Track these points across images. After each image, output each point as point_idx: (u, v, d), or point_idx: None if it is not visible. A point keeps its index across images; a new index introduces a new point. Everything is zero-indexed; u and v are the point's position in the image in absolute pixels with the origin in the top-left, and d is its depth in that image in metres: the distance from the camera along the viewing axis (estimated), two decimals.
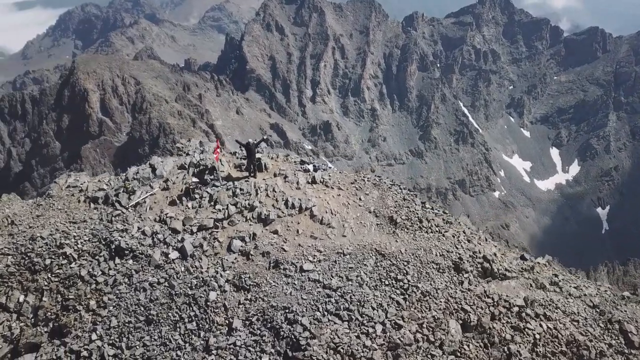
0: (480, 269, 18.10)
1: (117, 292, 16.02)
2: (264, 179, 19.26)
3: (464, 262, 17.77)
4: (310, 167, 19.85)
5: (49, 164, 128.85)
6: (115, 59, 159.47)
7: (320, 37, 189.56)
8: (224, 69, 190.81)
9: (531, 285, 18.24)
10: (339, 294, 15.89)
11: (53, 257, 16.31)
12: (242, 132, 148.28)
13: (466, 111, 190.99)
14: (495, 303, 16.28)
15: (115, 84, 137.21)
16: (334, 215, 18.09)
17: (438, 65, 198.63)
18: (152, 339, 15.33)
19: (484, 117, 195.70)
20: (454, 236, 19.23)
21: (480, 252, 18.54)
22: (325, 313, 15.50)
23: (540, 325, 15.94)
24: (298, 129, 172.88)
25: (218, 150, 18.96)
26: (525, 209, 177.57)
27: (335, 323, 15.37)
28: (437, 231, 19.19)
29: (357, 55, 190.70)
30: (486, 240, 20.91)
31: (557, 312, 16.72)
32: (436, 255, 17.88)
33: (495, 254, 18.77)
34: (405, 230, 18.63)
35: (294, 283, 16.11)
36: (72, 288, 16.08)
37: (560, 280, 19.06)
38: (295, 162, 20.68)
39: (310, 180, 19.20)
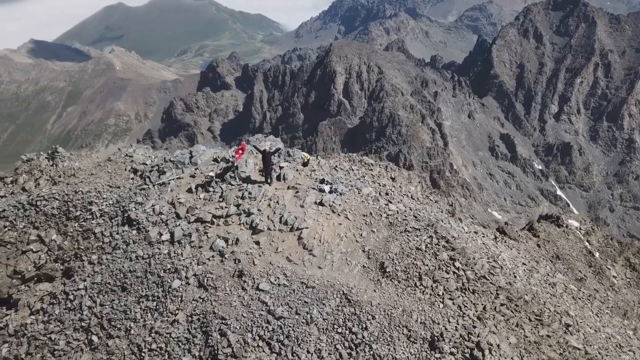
0: (465, 357, 14.96)
1: (114, 254, 18.10)
2: (276, 189, 19.16)
3: (443, 341, 14.93)
4: (327, 187, 18.88)
5: (291, 131, 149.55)
6: (366, 47, 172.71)
7: (584, 50, 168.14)
8: (467, 71, 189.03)
9: None
10: (279, 324, 15.08)
11: (82, 210, 19.23)
12: (469, 137, 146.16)
13: None
14: None
15: (361, 70, 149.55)
16: (321, 244, 17.02)
17: None
18: (119, 304, 16.95)
19: None
20: (459, 308, 16.23)
21: (476, 336, 15.28)
22: (257, 338, 14.92)
23: None
24: (531, 145, 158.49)
25: (240, 151, 19.47)
26: None
27: (262, 351, 14.73)
28: (439, 295, 16.44)
29: (624, 76, 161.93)
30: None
31: None
32: (416, 320, 15.40)
33: (496, 345, 15.25)
34: (393, 282, 16.43)
35: (244, 298, 15.84)
36: (85, 240, 18.77)
37: None
38: (316, 179, 19.92)
39: (318, 201, 18.34)
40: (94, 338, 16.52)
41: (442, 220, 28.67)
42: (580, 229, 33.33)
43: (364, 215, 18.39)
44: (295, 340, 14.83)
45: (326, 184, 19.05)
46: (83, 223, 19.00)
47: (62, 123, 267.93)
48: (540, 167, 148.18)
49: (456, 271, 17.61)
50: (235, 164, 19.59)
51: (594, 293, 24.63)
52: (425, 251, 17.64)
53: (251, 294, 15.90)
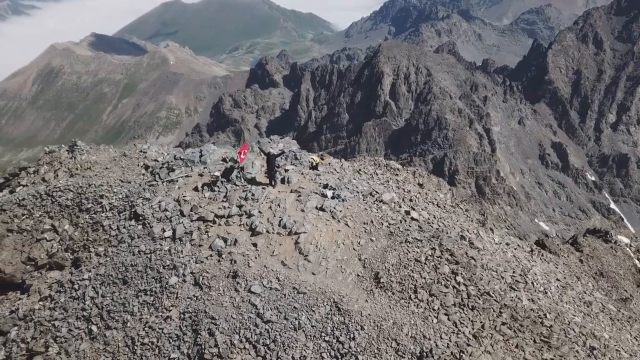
0: None
1: (119, 248, 18.62)
2: (279, 192, 19.17)
3: (432, 357, 14.53)
4: (329, 193, 18.70)
5: (335, 131, 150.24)
6: (415, 48, 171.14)
7: None
8: (519, 76, 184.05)
9: None
10: (267, 327, 15.10)
11: (93, 203, 19.90)
12: (518, 144, 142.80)
13: None
14: None
15: (409, 72, 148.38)
16: (317, 250, 16.91)
17: None
18: (119, 297, 17.42)
19: None
20: (455, 324, 15.76)
21: (468, 355, 14.80)
22: (244, 340, 15.00)
23: None
24: (585, 155, 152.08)
25: (245, 151, 19.55)
26: None
27: (248, 353, 14.79)
28: (434, 310, 16.01)
29: None
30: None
31: None
32: (406, 334, 15.06)
33: None
34: (387, 293, 16.11)
35: (235, 299, 15.94)
36: (94, 232, 19.40)
37: None
38: (320, 183, 19.75)
39: (319, 207, 18.21)
40: (94, 328, 17.05)
41: (467, 230, 27.99)
42: (630, 245, 31.71)
43: (364, 223, 18.12)
44: (282, 345, 14.80)
45: (329, 189, 18.90)
46: (93, 215, 19.66)
47: (117, 114, 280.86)
48: (593, 179, 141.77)
49: (456, 286, 17.09)
50: (241, 165, 19.75)
51: (637, 315, 23.34)
52: (425, 263, 17.21)
53: (243, 296, 15.99)
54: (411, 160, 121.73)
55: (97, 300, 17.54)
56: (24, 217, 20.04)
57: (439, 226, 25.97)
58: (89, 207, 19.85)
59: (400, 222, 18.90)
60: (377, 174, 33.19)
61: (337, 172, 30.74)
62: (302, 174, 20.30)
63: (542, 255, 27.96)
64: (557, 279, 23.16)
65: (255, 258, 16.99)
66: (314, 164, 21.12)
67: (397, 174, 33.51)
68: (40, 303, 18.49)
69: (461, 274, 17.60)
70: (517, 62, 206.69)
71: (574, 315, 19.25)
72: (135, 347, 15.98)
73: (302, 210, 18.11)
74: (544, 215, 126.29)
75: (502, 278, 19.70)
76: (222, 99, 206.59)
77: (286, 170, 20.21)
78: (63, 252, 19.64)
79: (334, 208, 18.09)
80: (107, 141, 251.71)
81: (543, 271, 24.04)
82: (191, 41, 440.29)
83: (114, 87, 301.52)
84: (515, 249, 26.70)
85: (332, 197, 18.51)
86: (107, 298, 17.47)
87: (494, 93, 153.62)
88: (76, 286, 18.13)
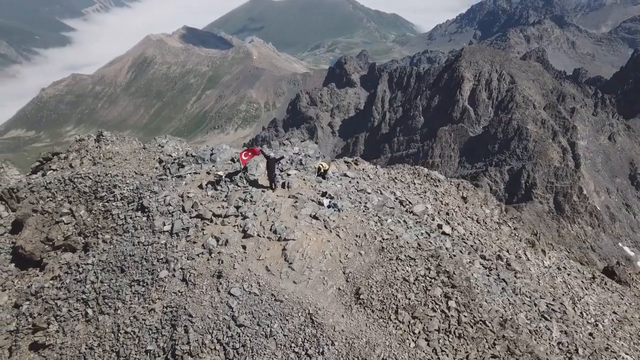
0: None
1: (123, 237, 19.43)
2: (277, 196, 19.09)
3: None
4: (326, 201, 18.34)
5: (408, 134, 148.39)
6: (499, 54, 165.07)
7: None
8: (614, 88, 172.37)
9: None
10: (239, 331, 15.14)
11: (107, 192, 20.89)
12: (606, 161, 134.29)
13: None
14: None
15: (491, 78, 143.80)
16: (302, 259, 16.68)
17: None
18: (115, 284, 18.19)
19: None
20: (434, 351, 14.98)
21: None
22: (215, 340, 15.14)
23: None
24: None
25: (249, 154, 19.60)
26: None
27: (217, 355, 14.94)
28: (414, 334, 15.30)
29: None
30: None
31: None
32: (378, 355, 14.50)
33: None
34: (366, 310, 15.58)
35: (215, 299, 16.12)
36: (104, 220, 20.37)
37: None
38: (319, 191, 19.40)
39: (313, 214, 17.94)
40: (89, 311, 17.94)
41: (507, 250, 26.70)
42: None
43: (356, 236, 17.65)
44: (250, 351, 14.80)
45: (326, 198, 18.58)
46: (106, 204, 20.65)
47: (200, 104, 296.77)
48: None
49: (446, 310, 16.24)
50: (243, 166, 19.91)
51: None
52: (414, 283, 16.47)
53: (222, 297, 16.14)
54: (486, 169, 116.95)
55: (96, 285, 18.42)
56: (48, 199, 21.44)
57: (474, 243, 24.91)
58: (103, 195, 20.88)
59: (426, 234, 18.47)
60: (414, 184, 32.26)
61: (370, 179, 30.19)
62: (303, 179, 20.12)
63: (606, 284, 25.95)
64: (614, 312, 21.43)
65: (242, 260, 17.09)
66: (322, 170, 20.83)
67: (437, 185, 32.41)
68: (50, 282, 19.70)
69: (456, 298, 16.69)
70: (613, 73, 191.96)
71: (627, 354, 17.74)
72: (120, 334, 16.62)
73: (296, 217, 17.96)
74: (629, 239, 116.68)
75: (535, 305, 18.62)
76: (299, 95, 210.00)
77: (288, 175, 20.13)
78: (76, 235, 20.79)
79: (328, 217, 17.77)
80: (189, 130, 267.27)
81: (599, 301, 22.37)
82: (275, 37, 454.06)
83: (200, 78, 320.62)
84: (568, 274, 24.98)
85: (328, 206, 18.19)
86: (105, 284, 18.30)
87: (584, 105, 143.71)
88: (80, 269, 19.14)
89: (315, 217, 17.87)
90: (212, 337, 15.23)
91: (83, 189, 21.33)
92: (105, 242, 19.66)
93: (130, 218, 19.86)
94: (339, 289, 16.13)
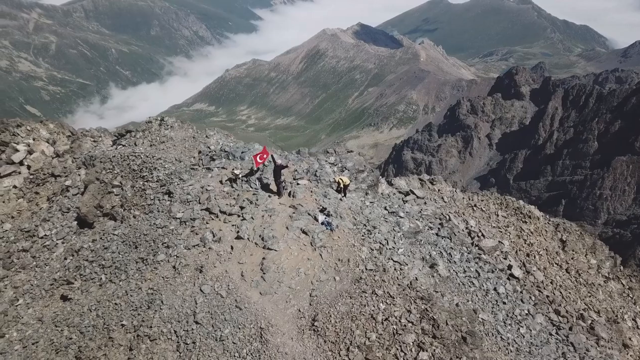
0: None
1: (148, 216, 21.06)
2: (280, 204, 18.88)
3: None
4: (321, 218, 17.58)
5: (576, 159, 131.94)
6: None
7: None
8: None
9: None
10: (194, 328, 15.56)
11: (148, 173, 22.75)
12: None
13: None
14: None
15: None
16: (276, 271, 16.37)
17: None
18: (126, 258, 19.84)
19: None
20: None
21: None
22: (173, 331, 15.79)
23: None
24: None
25: (264, 156, 19.55)
26: None
27: (170, 345, 15.55)
28: None
29: None
30: None
31: None
32: None
33: None
34: (318, 339, 14.72)
35: (186, 292, 16.71)
36: (140, 197, 22.26)
37: None
38: (319, 207, 18.59)
39: (303, 228, 17.42)
40: (103, 277, 19.87)
41: (598, 312, 23.69)
42: None
43: (339, 259, 16.75)
44: (199, 349, 15.14)
45: (323, 214, 17.92)
46: (145, 183, 22.55)
47: (361, 100, 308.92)
48: None
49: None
50: (256, 168, 20.09)
51: None
52: (381, 323, 15.18)
53: (193, 291, 16.67)
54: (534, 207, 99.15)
55: (114, 255, 20.30)
56: (107, 171, 24.11)
57: (551, 295, 22.35)
58: (144, 175, 22.82)
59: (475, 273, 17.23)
60: (497, 215, 29.69)
61: (444, 202, 28.41)
62: (311, 191, 19.63)
63: None
64: None
65: (224, 260, 17.41)
66: (342, 185, 20.03)
67: (525, 222, 29.46)
68: (88, 244, 22.24)
69: (432, 351, 15.03)
70: None
71: None
72: (111, 304, 18.16)
73: (287, 228, 17.69)
74: None
75: None
76: (460, 102, 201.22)
77: (297, 184, 19.82)
78: (119, 207, 23.08)
79: (317, 234, 17.18)
80: (346, 123, 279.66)
81: None
82: (447, 41, 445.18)
83: (365, 74, 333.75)
84: None
85: (322, 223, 17.55)
86: (121, 255, 20.08)
87: None
88: (108, 238, 21.27)
89: (304, 232, 17.41)
90: (171, 327, 15.88)
91: (133, 167, 23.55)
92: (134, 218, 21.53)
93: (158, 200, 21.44)
94: (299, 310, 15.58)
